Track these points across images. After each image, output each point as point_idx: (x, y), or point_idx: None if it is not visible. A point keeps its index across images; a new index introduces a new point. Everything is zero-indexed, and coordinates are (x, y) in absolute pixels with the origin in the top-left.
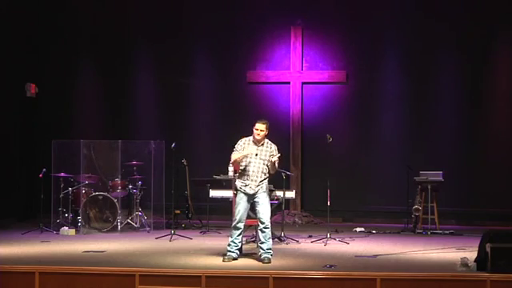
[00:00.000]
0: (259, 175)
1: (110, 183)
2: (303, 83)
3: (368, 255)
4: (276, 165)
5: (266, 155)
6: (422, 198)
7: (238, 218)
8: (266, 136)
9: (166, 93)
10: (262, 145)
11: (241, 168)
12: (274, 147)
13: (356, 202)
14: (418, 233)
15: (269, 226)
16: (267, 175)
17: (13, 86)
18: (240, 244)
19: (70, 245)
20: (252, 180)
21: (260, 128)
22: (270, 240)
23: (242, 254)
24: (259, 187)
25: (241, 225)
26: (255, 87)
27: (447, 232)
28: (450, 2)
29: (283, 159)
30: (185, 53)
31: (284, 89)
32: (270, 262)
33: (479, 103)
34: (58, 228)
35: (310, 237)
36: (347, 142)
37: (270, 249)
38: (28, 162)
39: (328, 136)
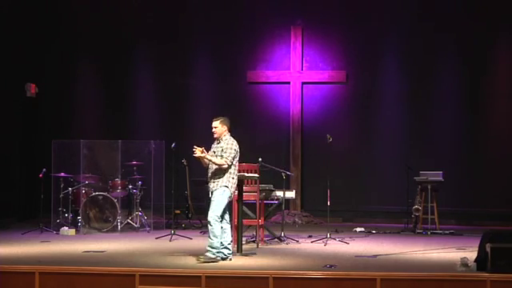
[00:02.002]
0: (211, 171)
1: (110, 183)
2: (303, 83)
3: (368, 255)
4: (214, 161)
5: (218, 152)
6: (422, 198)
7: None
8: (231, 132)
9: (165, 93)
10: (220, 142)
11: None
12: (226, 144)
13: (356, 202)
14: (418, 233)
15: (211, 222)
16: (219, 172)
17: (13, 86)
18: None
19: (69, 245)
20: (208, 177)
21: (213, 125)
22: (212, 239)
23: (242, 253)
24: (214, 184)
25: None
26: (255, 87)
27: (447, 232)
28: (449, 2)
29: (282, 159)
30: (185, 53)
31: (284, 89)
32: (203, 262)
33: (479, 103)
34: (58, 228)
35: (310, 237)
36: (347, 142)
37: (210, 247)
38: (28, 161)
39: (328, 136)
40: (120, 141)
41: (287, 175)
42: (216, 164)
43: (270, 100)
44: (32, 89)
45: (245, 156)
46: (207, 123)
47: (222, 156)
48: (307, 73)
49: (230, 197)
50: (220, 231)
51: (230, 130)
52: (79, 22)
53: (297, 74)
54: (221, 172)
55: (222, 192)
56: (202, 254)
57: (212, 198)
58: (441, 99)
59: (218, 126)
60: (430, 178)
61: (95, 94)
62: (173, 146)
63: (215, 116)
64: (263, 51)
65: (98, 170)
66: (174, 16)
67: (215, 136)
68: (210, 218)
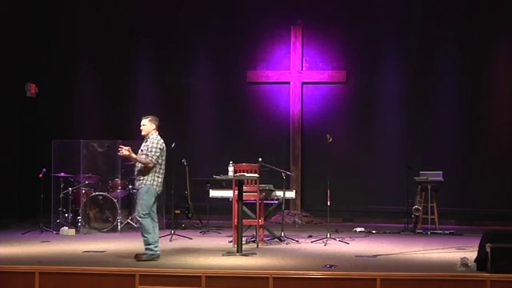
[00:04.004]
0: (138, 170)
1: (110, 183)
2: (303, 83)
3: (368, 255)
4: (139, 159)
5: (145, 150)
6: (421, 198)
7: None
8: (159, 131)
9: (166, 93)
10: (147, 140)
11: None
12: (151, 143)
13: (356, 202)
14: (418, 233)
15: (139, 220)
16: (144, 170)
17: (13, 86)
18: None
19: (69, 245)
20: (135, 174)
21: (142, 123)
22: (145, 236)
23: (242, 253)
24: (139, 182)
25: None
26: (255, 87)
27: (447, 232)
28: (450, 2)
29: (282, 159)
30: (185, 53)
31: (284, 89)
32: (146, 260)
33: (479, 103)
34: (58, 228)
35: (310, 237)
36: (347, 141)
37: (147, 244)
38: (28, 161)
39: (328, 136)
40: (120, 141)
41: (287, 175)
42: (141, 163)
43: (270, 100)
44: (32, 89)
45: (245, 156)
46: (207, 123)
47: (147, 155)
48: (307, 73)
49: (155, 195)
50: (151, 227)
51: (158, 129)
52: (79, 22)
53: (297, 74)
54: (146, 170)
55: (146, 190)
56: (143, 253)
57: (138, 197)
58: (441, 99)
59: (147, 124)
60: (430, 178)
61: (95, 94)
62: (173, 145)
63: (144, 115)
64: (263, 51)
65: (97, 169)
66: (174, 16)
67: (143, 134)
68: (137, 217)
